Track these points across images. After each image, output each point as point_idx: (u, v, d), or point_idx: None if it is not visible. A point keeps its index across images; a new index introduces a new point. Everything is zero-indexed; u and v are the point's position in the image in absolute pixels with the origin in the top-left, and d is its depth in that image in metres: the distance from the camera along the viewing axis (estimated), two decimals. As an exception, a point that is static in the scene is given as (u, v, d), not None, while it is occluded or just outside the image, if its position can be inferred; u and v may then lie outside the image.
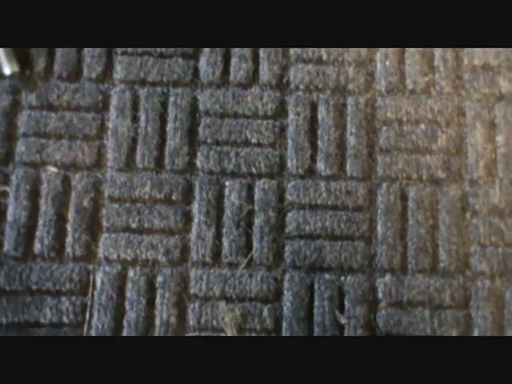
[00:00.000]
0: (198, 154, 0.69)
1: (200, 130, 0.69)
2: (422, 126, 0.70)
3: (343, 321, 0.66)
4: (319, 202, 0.68)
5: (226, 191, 0.68)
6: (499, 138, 0.70)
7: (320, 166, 0.69)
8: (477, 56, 0.72)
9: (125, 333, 0.65)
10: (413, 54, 0.72)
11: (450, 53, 0.72)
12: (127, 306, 0.65)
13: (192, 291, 0.66)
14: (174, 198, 0.68)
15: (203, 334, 0.65)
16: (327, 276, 0.66)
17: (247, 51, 0.72)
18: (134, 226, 0.67)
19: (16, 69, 0.70)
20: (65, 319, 0.65)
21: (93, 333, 0.65)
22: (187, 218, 0.67)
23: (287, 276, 0.66)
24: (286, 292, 0.66)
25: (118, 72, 0.71)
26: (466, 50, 0.72)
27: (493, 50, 0.72)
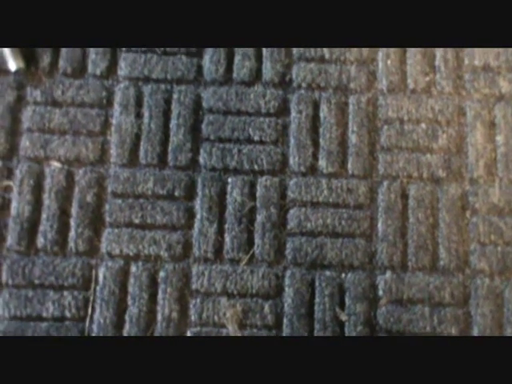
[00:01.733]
0: (201, 150, 0.69)
1: (203, 127, 0.70)
2: (423, 125, 0.71)
3: (343, 318, 0.66)
4: (321, 199, 0.69)
5: (229, 188, 0.68)
6: (499, 138, 0.71)
7: (322, 163, 0.70)
8: (477, 56, 0.73)
9: (127, 327, 0.65)
10: (414, 54, 0.73)
11: (450, 53, 0.73)
12: (129, 301, 0.66)
13: (194, 287, 0.66)
14: (176, 194, 0.68)
15: (204, 329, 0.65)
16: (328, 273, 0.67)
17: (250, 49, 0.72)
18: (136, 221, 0.67)
19: (21, 65, 0.70)
20: (67, 313, 0.66)
21: (95, 328, 0.65)
22: (189, 214, 0.68)
23: (288, 272, 0.67)
24: (287, 288, 0.67)
25: (123, 69, 0.72)
26: (467, 50, 0.73)
27: (493, 50, 0.73)
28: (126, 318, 0.65)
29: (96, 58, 0.72)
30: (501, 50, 0.73)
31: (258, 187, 0.69)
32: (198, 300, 0.66)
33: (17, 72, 0.70)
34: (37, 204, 0.68)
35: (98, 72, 0.71)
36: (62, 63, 0.72)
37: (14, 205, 0.68)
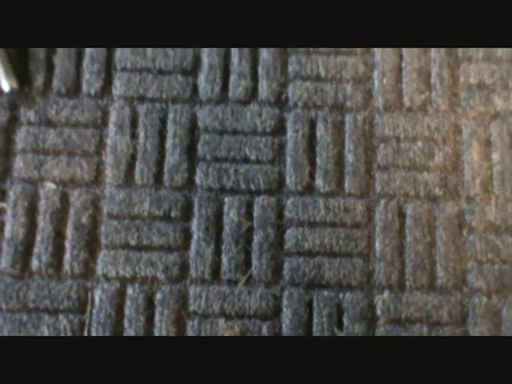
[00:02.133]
0: (197, 170, 0.69)
1: (199, 146, 0.70)
2: (419, 144, 0.71)
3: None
4: (318, 218, 0.69)
5: (225, 208, 0.68)
6: (495, 156, 0.71)
7: (319, 182, 0.69)
8: (472, 74, 0.73)
9: (123, 350, 0.64)
10: (409, 72, 0.73)
11: (446, 71, 0.73)
12: (126, 324, 0.65)
13: (191, 308, 0.66)
14: (172, 214, 0.68)
15: (202, 351, 0.65)
16: (326, 293, 0.67)
17: (246, 68, 0.72)
18: (132, 243, 0.67)
19: (14, 85, 0.69)
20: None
21: (91, 350, 0.64)
22: (186, 234, 0.67)
23: (286, 293, 0.67)
24: (284, 309, 0.66)
25: (117, 88, 0.71)
26: (462, 68, 0.73)
27: (488, 68, 0.73)
28: (123, 340, 0.65)
29: (90, 78, 0.71)
30: (495, 67, 0.73)
31: (255, 207, 0.68)
32: (196, 322, 0.65)
33: (10, 92, 0.69)
34: (31, 226, 0.67)
35: (92, 92, 0.71)
36: (55, 83, 0.71)
37: (7, 227, 0.67)
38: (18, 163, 0.68)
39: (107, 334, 0.64)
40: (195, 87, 0.72)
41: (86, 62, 0.72)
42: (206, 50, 0.72)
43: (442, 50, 0.73)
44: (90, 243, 0.67)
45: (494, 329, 0.67)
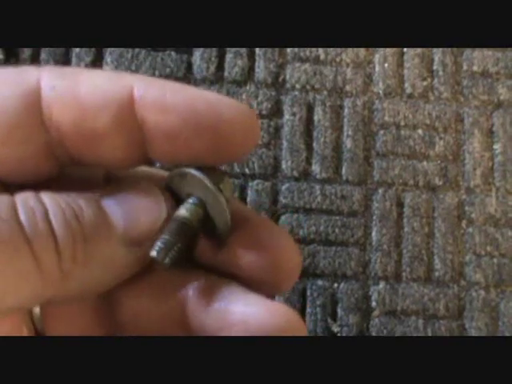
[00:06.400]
0: (190, 152, 0.66)
1: (192, 127, 0.67)
2: (420, 131, 0.69)
3: (335, 329, 0.64)
4: (314, 205, 0.66)
5: (218, 192, 0.65)
6: (497, 146, 0.69)
7: (315, 168, 0.67)
8: (476, 62, 0.71)
9: None
10: (412, 58, 0.71)
11: (449, 57, 0.71)
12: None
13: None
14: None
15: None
16: (320, 282, 0.64)
17: (243, 47, 0.70)
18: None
19: (0, 56, 0.66)
20: None
21: None
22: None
23: (279, 281, 0.64)
24: (277, 298, 0.64)
25: (109, 63, 0.68)
26: (465, 55, 0.71)
27: (492, 56, 0.71)
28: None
29: (80, 51, 0.68)
30: (500, 55, 0.71)
31: (249, 191, 0.66)
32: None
33: (-5, 63, 0.67)
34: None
35: (82, 66, 0.68)
36: (43, 56, 0.68)
37: None
38: (2, 138, 0.65)
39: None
40: (189, 65, 0.69)
41: (76, 35, 0.69)
42: (202, 27, 0.70)
43: (446, 35, 0.71)
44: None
45: (491, 323, 0.65)
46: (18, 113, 0.28)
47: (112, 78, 0.29)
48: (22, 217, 0.25)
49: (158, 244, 0.28)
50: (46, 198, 0.26)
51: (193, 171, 0.30)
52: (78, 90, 0.28)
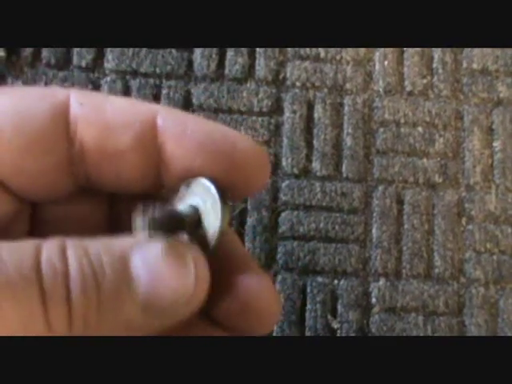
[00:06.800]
0: (191, 149, 0.66)
1: (193, 124, 0.67)
2: (420, 129, 0.69)
3: (335, 325, 0.64)
4: (314, 202, 0.66)
5: (219, 189, 0.66)
6: (496, 144, 0.69)
7: (315, 165, 0.67)
8: (476, 59, 0.71)
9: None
10: (412, 55, 0.71)
11: (448, 55, 0.71)
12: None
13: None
14: (164, 194, 0.65)
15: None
16: (320, 279, 0.65)
17: (243, 45, 0.70)
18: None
19: (2, 53, 0.67)
20: None
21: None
22: (177, 215, 0.65)
23: (279, 278, 0.64)
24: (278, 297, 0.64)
25: (110, 61, 0.68)
26: (465, 53, 0.71)
27: (492, 54, 0.71)
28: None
29: (81, 49, 0.68)
30: (499, 53, 0.71)
31: (250, 189, 0.66)
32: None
33: (-3, 61, 0.67)
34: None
35: (83, 64, 0.68)
36: (45, 53, 0.68)
37: None
38: (4, 136, 0.66)
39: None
40: (190, 63, 0.69)
41: (77, 33, 0.69)
42: (202, 25, 0.70)
43: (446, 33, 0.71)
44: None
45: (491, 320, 0.65)
46: (45, 123, 0.29)
47: (136, 103, 0.30)
48: (44, 275, 0.25)
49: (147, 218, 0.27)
50: (72, 254, 0.26)
51: (198, 179, 0.30)
52: (105, 109, 0.29)
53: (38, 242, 0.26)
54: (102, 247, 0.26)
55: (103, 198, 0.32)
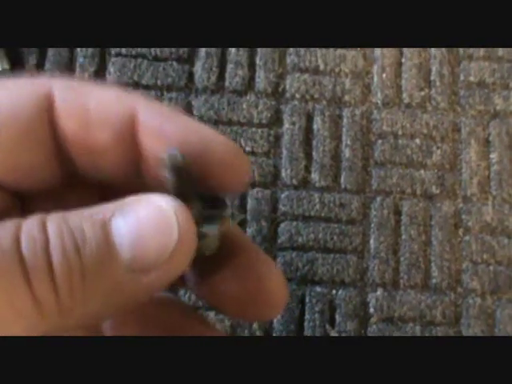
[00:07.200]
0: (191, 160, 0.67)
1: (194, 135, 0.68)
2: (417, 141, 0.70)
3: (334, 335, 0.64)
4: (312, 213, 0.67)
5: (219, 199, 0.66)
6: (493, 156, 0.70)
7: (314, 177, 0.68)
8: (473, 72, 0.72)
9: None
10: (409, 68, 0.72)
11: (446, 68, 0.72)
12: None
13: (183, 300, 0.64)
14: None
15: (190, 345, 0.63)
16: (319, 289, 0.65)
17: (243, 58, 0.71)
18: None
19: (6, 66, 0.67)
20: None
21: None
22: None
23: (278, 288, 0.65)
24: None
25: (111, 73, 0.69)
26: (462, 65, 0.72)
27: (489, 67, 0.72)
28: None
29: (84, 62, 0.69)
30: (496, 66, 0.72)
31: (249, 199, 0.67)
32: (185, 315, 0.64)
33: (1, 73, 0.68)
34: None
35: (85, 76, 0.69)
36: (48, 66, 0.69)
37: None
38: (7, 146, 0.66)
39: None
40: (191, 75, 0.70)
41: (80, 45, 0.70)
42: (203, 37, 0.71)
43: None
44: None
45: (488, 330, 0.66)
46: (31, 120, 0.29)
47: (119, 96, 0.30)
48: (24, 248, 0.24)
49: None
50: (52, 225, 0.25)
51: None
52: (87, 104, 0.30)
53: (18, 220, 0.25)
54: (82, 215, 0.26)
55: (93, 190, 0.32)
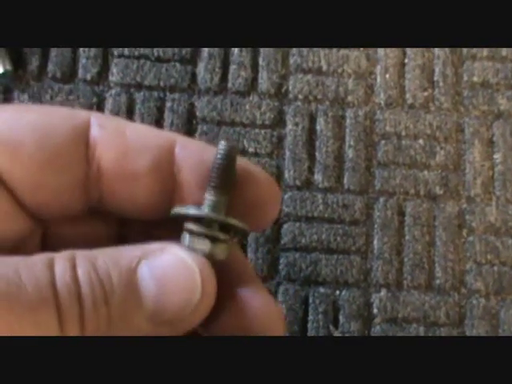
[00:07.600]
0: (194, 161, 0.67)
1: (196, 136, 0.68)
2: (421, 141, 0.70)
3: (337, 335, 0.64)
4: (316, 214, 0.67)
5: (222, 200, 0.66)
6: (497, 156, 0.70)
7: (317, 177, 0.68)
8: (476, 73, 0.72)
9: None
10: (413, 69, 0.72)
11: (449, 68, 0.72)
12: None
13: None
14: (167, 205, 0.66)
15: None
16: (322, 290, 0.65)
17: (246, 59, 0.71)
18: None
19: (8, 67, 0.67)
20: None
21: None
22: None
23: (281, 288, 0.65)
24: (280, 305, 0.65)
25: (114, 74, 0.69)
26: (466, 66, 0.72)
27: (492, 67, 0.72)
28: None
29: (87, 63, 0.69)
30: (500, 66, 0.72)
31: (252, 200, 0.67)
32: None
33: (3, 75, 0.68)
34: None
35: (88, 77, 0.69)
36: (50, 67, 0.69)
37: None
38: (10, 148, 0.66)
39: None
40: (194, 76, 0.70)
41: (82, 46, 0.70)
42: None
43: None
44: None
45: (492, 331, 0.65)
46: (66, 142, 0.29)
47: (155, 130, 0.31)
48: (60, 291, 0.26)
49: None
50: (81, 270, 0.26)
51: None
52: (124, 132, 0.30)
53: (50, 258, 0.26)
54: (110, 260, 0.27)
55: (113, 219, 0.33)
